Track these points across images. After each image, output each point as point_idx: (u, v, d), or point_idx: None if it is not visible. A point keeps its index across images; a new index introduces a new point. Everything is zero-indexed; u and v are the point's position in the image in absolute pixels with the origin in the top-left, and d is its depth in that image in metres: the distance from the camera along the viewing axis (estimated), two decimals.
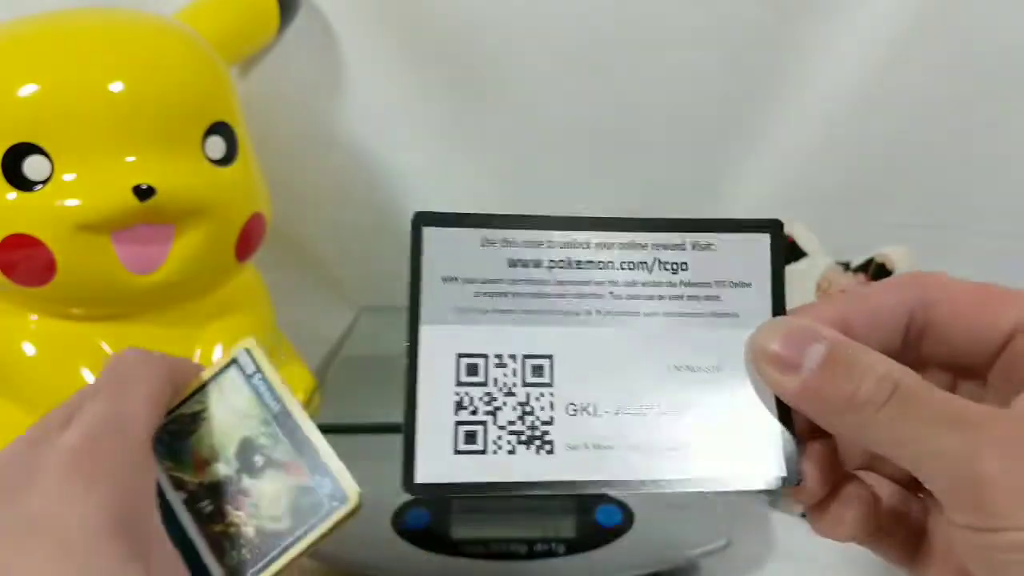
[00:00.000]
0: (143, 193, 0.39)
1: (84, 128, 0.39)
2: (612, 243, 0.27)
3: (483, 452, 0.25)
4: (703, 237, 0.27)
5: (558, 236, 0.27)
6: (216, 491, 0.28)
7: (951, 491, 0.23)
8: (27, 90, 0.39)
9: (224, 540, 0.27)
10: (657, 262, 0.27)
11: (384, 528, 0.41)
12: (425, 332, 0.26)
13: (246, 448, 0.28)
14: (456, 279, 0.26)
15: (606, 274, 0.27)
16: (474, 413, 0.26)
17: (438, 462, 0.25)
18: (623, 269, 0.27)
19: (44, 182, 0.39)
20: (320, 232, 0.62)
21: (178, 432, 0.29)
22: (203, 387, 0.29)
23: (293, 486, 0.27)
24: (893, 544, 0.28)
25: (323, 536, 0.27)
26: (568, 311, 0.26)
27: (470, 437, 0.25)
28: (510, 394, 0.26)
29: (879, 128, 0.59)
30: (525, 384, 0.26)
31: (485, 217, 0.27)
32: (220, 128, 0.43)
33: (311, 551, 0.27)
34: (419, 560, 0.41)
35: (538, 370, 0.26)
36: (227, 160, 0.43)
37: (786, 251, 0.54)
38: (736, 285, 0.27)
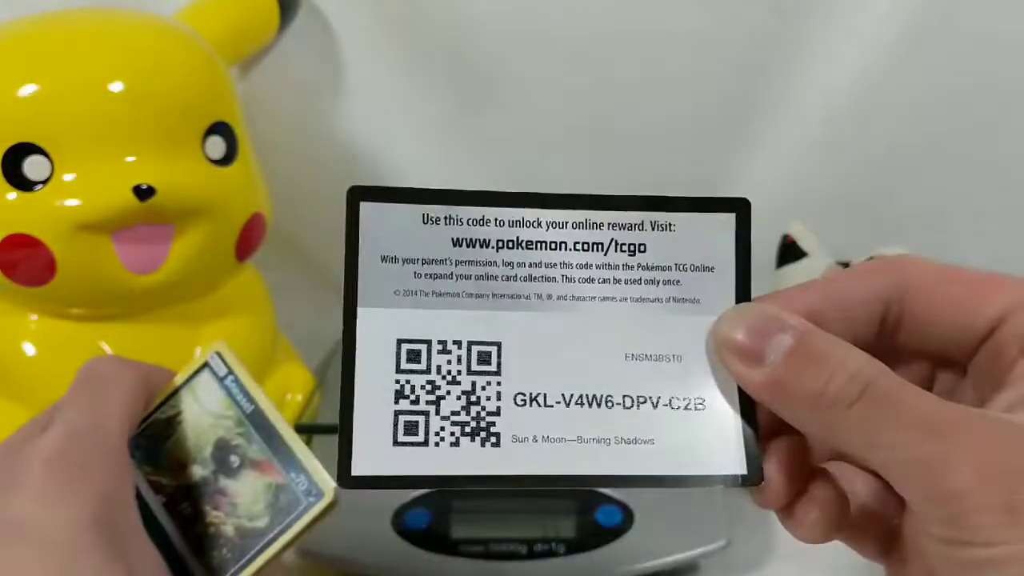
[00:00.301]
0: (143, 193, 0.39)
1: (84, 128, 0.39)
2: (565, 222, 0.25)
3: (424, 444, 0.24)
4: (663, 216, 0.25)
5: (506, 213, 0.25)
6: (194, 493, 0.28)
7: (924, 502, 0.22)
8: (27, 90, 0.39)
9: (205, 540, 0.27)
10: (613, 243, 0.25)
11: (384, 528, 0.41)
12: (363, 315, 0.24)
13: (222, 449, 0.28)
14: (396, 259, 0.25)
15: (558, 255, 0.25)
16: (415, 402, 0.24)
17: (376, 454, 0.24)
18: (576, 250, 0.25)
19: (44, 182, 0.39)
20: (320, 232, 0.62)
21: (154, 437, 0.29)
22: (176, 392, 0.29)
23: (270, 484, 0.27)
24: (867, 541, 0.26)
25: (301, 532, 0.27)
26: (517, 295, 0.25)
27: (411, 428, 0.24)
28: (454, 382, 0.24)
29: (879, 129, 0.59)
30: (471, 372, 0.24)
31: (427, 192, 0.25)
32: (220, 128, 0.43)
33: (291, 547, 0.27)
34: (419, 560, 0.41)
35: (485, 357, 0.24)
36: (227, 160, 0.43)
37: (786, 251, 0.54)
38: (698, 269, 0.25)
